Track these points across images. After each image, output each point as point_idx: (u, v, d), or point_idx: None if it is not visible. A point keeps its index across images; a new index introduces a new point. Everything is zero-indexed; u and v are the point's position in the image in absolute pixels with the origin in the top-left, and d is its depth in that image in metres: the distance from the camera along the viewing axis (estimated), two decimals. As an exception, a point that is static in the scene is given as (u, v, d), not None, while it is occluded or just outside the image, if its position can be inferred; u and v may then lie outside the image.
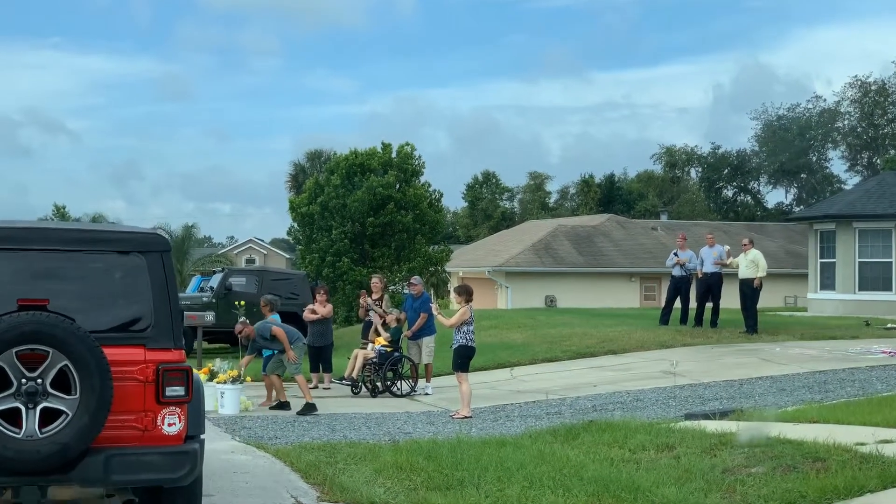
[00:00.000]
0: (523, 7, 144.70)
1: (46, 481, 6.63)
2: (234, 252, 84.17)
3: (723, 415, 13.38)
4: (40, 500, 6.69)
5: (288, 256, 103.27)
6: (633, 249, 48.08)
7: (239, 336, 16.70)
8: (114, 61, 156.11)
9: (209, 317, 21.32)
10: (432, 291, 36.36)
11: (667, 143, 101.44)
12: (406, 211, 37.88)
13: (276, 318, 16.30)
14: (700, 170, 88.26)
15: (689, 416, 13.84)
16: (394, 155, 39.31)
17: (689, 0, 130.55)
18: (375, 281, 19.19)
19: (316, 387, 19.16)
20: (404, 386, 18.23)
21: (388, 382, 18.09)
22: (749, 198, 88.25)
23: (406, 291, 18.91)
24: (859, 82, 76.67)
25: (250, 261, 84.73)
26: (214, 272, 30.03)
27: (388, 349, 18.17)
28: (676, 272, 24.22)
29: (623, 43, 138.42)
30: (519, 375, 19.96)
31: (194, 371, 7.27)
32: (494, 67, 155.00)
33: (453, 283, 48.22)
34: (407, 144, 39.62)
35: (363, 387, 18.25)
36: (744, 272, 22.62)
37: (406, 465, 10.37)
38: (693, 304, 24.45)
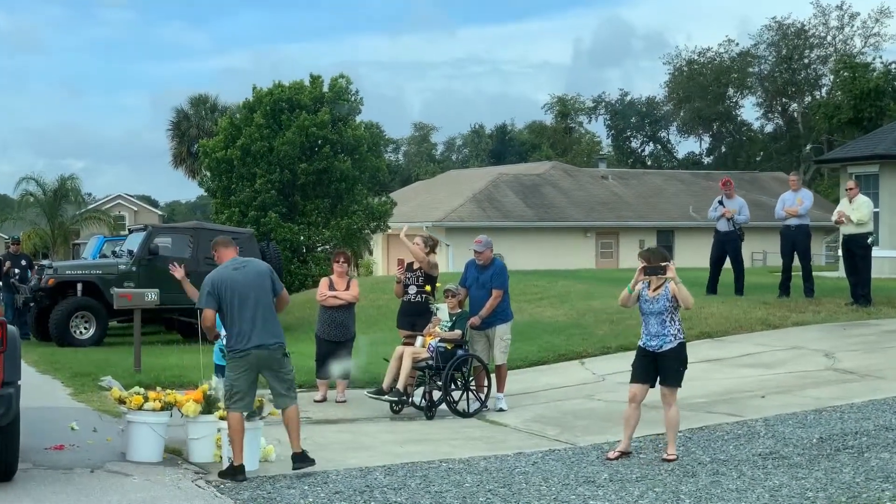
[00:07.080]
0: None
1: None
2: (103, 208, 76.59)
3: None
4: None
5: (159, 213, 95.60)
6: (585, 200, 42.45)
7: None
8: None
9: (151, 295, 14.99)
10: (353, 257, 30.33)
11: (531, 96, 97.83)
12: (344, 155, 31.53)
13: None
14: (608, 118, 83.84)
15: None
16: (325, 89, 32.83)
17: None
18: (418, 241, 12.88)
19: (324, 399, 13.13)
20: (471, 399, 12.29)
21: (450, 396, 12.10)
22: (659, 147, 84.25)
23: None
24: (777, 24, 72.91)
25: (119, 217, 77.56)
26: (132, 230, 23.28)
27: (449, 346, 12.16)
28: (722, 226, 18.55)
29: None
30: (601, 372, 14.25)
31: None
32: (354, 22, 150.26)
33: (378, 244, 41.89)
34: (341, 77, 33.15)
35: (410, 401, 12.21)
36: (852, 226, 17.38)
37: None
38: (756, 264, 19.13)
